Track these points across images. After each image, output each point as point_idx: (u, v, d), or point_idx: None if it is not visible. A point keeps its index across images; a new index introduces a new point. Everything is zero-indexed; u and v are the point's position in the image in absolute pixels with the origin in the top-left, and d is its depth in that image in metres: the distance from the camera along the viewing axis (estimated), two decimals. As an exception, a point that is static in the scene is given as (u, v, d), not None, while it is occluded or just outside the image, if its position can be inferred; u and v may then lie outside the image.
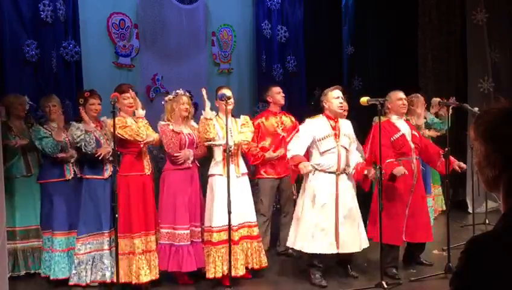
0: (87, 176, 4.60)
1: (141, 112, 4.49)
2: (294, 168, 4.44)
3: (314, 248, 4.44)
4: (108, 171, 4.58)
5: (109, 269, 4.49)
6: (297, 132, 4.67)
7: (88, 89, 4.94)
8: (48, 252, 4.66)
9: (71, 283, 4.48)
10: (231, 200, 4.27)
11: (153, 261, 4.48)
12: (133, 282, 4.35)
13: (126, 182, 4.43)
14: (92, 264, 4.49)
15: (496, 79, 7.65)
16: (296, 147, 4.50)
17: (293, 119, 5.59)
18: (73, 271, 4.49)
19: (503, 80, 7.69)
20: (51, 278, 4.59)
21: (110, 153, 4.48)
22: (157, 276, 4.51)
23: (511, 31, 7.74)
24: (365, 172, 4.47)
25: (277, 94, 5.56)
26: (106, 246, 4.53)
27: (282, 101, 5.59)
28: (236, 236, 4.47)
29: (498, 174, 1.27)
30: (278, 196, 5.69)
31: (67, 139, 4.67)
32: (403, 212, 4.64)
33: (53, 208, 4.67)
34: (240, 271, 4.47)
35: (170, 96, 4.67)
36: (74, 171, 4.72)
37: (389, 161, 4.48)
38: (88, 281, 4.48)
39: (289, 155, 4.51)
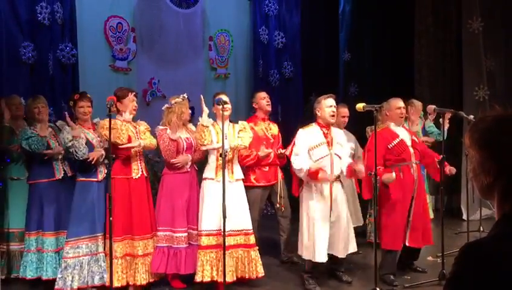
0: (81, 179, 4.45)
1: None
2: (315, 179, 4.38)
3: (317, 257, 4.45)
4: (102, 173, 4.47)
5: (99, 273, 4.35)
6: (293, 145, 4.61)
7: (79, 92, 4.88)
8: (36, 253, 4.56)
9: (56, 287, 4.30)
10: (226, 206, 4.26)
11: (138, 267, 4.42)
12: (115, 285, 4.26)
13: (113, 185, 4.34)
14: (80, 269, 4.34)
15: (491, 87, 7.70)
16: (303, 161, 4.43)
17: (277, 128, 5.49)
18: (59, 275, 4.32)
19: (498, 88, 7.74)
20: (43, 278, 4.50)
21: (104, 157, 4.42)
22: (142, 282, 4.43)
23: (506, 39, 7.80)
24: (355, 168, 4.48)
25: (262, 100, 5.39)
26: (100, 249, 4.40)
27: (268, 108, 5.41)
28: (227, 242, 4.38)
29: (492, 181, 1.28)
30: (271, 203, 5.60)
31: (53, 137, 4.62)
32: (403, 218, 4.64)
33: (43, 209, 4.58)
34: (228, 277, 4.35)
35: (178, 100, 4.58)
36: (64, 170, 4.62)
37: (378, 167, 4.49)
38: (74, 287, 4.29)
39: (304, 169, 4.38)
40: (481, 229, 6.47)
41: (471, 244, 1.25)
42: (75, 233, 4.35)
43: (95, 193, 4.43)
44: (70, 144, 4.32)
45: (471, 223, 6.11)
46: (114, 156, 4.38)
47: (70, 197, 4.47)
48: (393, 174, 4.50)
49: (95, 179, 4.44)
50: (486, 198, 1.33)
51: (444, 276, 4.59)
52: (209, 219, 4.41)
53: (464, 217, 6.99)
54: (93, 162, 4.36)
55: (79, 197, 4.41)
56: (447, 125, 5.99)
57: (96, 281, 4.36)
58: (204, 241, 4.41)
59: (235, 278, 4.44)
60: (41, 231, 4.59)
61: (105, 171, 4.48)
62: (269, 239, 5.74)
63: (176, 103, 4.56)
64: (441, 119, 5.88)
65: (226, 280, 4.29)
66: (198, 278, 4.38)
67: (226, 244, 4.24)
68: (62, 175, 4.62)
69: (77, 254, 4.35)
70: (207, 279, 4.37)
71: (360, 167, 4.44)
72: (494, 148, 1.27)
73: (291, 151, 4.58)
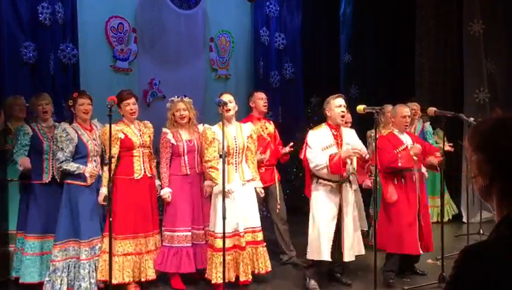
0: (69, 181, 4.38)
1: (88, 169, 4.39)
2: (342, 164, 4.31)
3: (322, 255, 4.44)
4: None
5: (85, 279, 4.31)
6: (306, 147, 4.60)
7: (78, 91, 4.84)
8: (17, 253, 4.53)
9: None
10: (238, 207, 4.41)
11: (145, 263, 4.47)
12: (113, 282, 4.26)
13: (115, 184, 4.37)
14: (68, 272, 4.33)
15: (492, 90, 7.70)
16: (319, 156, 4.39)
17: (273, 126, 5.50)
18: (47, 278, 4.27)
19: (498, 91, 7.74)
20: (20, 281, 4.44)
21: (95, 178, 4.38)
22: (145, 278, 4.48)
23: (507, 42, 7.79)
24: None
25: (259, 100, 5.41)
26: (83, 256, 4.32)
27: (264, 109, 5.44)
28: (243, 242, 4.48)
29: (489, 183, 1.28)
30: (266, 204, 5.59)
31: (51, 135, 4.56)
32: (409, 224, 4.64)
33: (29, 210, 4.50)
34: (248, 276, 4.51)
35: (168, 105, 4.74)
36: (53, 174, 4.51)
37: (401, 153, 4.63)
38: None
39: (323, 164, 4.35)
40: (481, 231, 6.47)
41: (470, 247, 1.25)
42: (62, 236, 4.33)
43: (83, 197, 4.37)
44: (65, 167, 4.31)
45: (471, 225, 6.11)
46: (114, 156, 4.37)
47: (58, 201, 4.40)
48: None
49: (84, 183, 4.38)
50: (486, 200, 1.33)
51: (443, 279, 4.59)
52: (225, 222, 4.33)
53: (464, 219, 6.99)
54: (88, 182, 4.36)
55: (66, 200, 4.37)
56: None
57: (83, 289, 4.31)
58: (219, 243, 4.38)
59: (249, 278, 4.52)
60: (23, 232, 4.51)
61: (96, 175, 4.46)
62: (267, 240, 5.72)
63: (168, 108, 4.70)
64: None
65: (248, 278, 4.52)
66: (213, 280, 4.41)
67: (241, 244, 4.44)
68: (50, 179, 4.49)
69: (65, 256, 4.34)
70: (220, 281, 4.35)
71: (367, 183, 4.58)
72: (491, 151, 1.27)
73: (305, 154, 4.54)
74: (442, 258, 4.72)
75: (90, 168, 4.36)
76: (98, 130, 4.55)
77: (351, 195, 4.57)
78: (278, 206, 5.28)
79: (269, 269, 4.68)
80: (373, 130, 4.41)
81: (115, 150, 4.38)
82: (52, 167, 4.52)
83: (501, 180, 1.26)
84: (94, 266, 4.40)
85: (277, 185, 5.33)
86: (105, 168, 4.27)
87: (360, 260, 5.09)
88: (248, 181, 4.64)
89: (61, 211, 4.38)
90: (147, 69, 7.17)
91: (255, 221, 4.65)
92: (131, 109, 4.54)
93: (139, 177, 4.51)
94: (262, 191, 4.80)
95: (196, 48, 7.60)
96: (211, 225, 4.58)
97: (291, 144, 5.24)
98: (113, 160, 4.30)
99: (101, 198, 4.32)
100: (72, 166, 4.33)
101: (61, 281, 4.30)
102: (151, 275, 4.51)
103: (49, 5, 5.96)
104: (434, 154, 4.86)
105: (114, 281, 4.27)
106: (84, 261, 4.34)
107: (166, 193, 4.59)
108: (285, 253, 5.40)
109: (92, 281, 4.37)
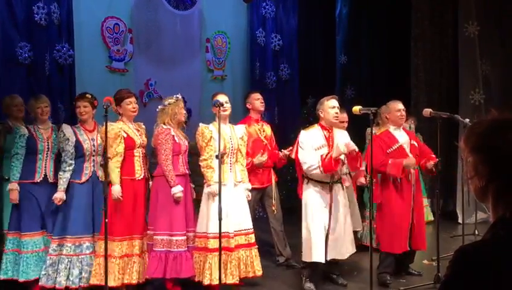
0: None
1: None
2: (334, 163, 4.30)
3: (314, 257, 4.43)
4: (87, 175, 4.46)
5: (61, 274, 4.34)
6: (298, 146, 4.59)
7: (80, 93, 4.85)
8: (14, 253, 4.49)
9: (40, 283, 4.37)
10: (229, 207, 4.32)
11: (135, 266, 4.43)
12: (109, 285, 4.23)
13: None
14: (64, 268, 4.37)
15: (487, 91, 7.74)
16: (311, 157, 4.40)
17: (270, 129, 5.49)
18: (43, 272, 4.37)
19: (493, 92, 7.78)
20: (21, 280, 4.42)
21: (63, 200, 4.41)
22: (138, 281, 4.45)
23: (502, 43, 7.84)
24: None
25: (256, 100, 5.39)
26: (64, 251, 4.38)
27: (261, 108, 5.43)
28: (232, 243, 4.40)
29: (485, 184, 1.29)
30: (262, 205, 5.58)
31: (48, 138, 4.59)
32: (403, 222, 4.66)
33: (20, 210, 4.47)
34: (236, 278, 4.39)
35: (171, 100, 4.54)
36: (45, 174, 4.52)
37: (392, 160, 4.59)
38: (57, 285, 4.33)
39: (315, 165, 4.35)
40: (476, 232, 6.49)
41: (465, 247, 1.26)
42: (59, 232, 4.41)
43: (78, 194, 4.42)
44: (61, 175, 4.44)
45: (466, 226, 6.13)
46: (111, 157, 4.36)
47: (48, 201, 4.47)
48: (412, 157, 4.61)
49: (78, 181, 4.45)
50: (482, 201, 1.34)
51: (439, 279, 4.61)
52: (217, 222, 4.23)
53: (460, 220, 7.01)
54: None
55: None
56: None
57: (77, 282, 4.35)
58: (213, 243, 4.35)
59: (237, 281, 4.42)
60: (18, 232, 4.51)
61: (91, 173, 4.48)
62: (263, 241, 5.72)
63: (169, 103, 4.54)
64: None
65: (228, 281, 4.37)
66: (206, 281, 4.34)
67: (230, 245, 4.34)
68: (41, 178, 4.51)
69: (61, 252, 4.39)
70: (215, 282, 4.30)
71: (361, 180, 4.50)
72: (487, 152, 1.28)
73: (297, 153, 4.56)
74: (437, 259, 4.73)
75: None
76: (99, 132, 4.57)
77: (341, 196, 4.57)
78: (274, 207, 5.27)
79: (259, 273, 4.58)
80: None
81: (121, 148, 4.39)
82: (45, 167, 4.56)
83: (497, 181, 1.27)
84: (78, 264, 4.39)
85: (274, 186, 5.32)
86: (112, 167, 4.31)
87: (355, 260, 5.11)
88: (240, 182, 4.62)
89: (59, 208, 4.45)
90: (142, 70, 7.17)
91: (248, 223, 4.59)
92: (134, 108, 4.54)
93: (140, 178, 4.50)
94: (250, 194, 4.71)
95: (192, 48, 7.59)
96: (201, 227, 4.48)
97: (290, 148, 4.98)
98: (117, 158, 4.35)
99: (116, 194, 4.32)
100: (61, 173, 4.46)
101: (56, 275, 4.36)
102: (141, 278, 4.47)
103: (44, 5, 5.94)
104: (429, 157, 4.86)
105: (110, 284, 4.22)
106: (64, 256, 4.37)
107: (179, 191, 4.36)
108: (281, 254, 5.40)
109: (71, 278, 4.35)
